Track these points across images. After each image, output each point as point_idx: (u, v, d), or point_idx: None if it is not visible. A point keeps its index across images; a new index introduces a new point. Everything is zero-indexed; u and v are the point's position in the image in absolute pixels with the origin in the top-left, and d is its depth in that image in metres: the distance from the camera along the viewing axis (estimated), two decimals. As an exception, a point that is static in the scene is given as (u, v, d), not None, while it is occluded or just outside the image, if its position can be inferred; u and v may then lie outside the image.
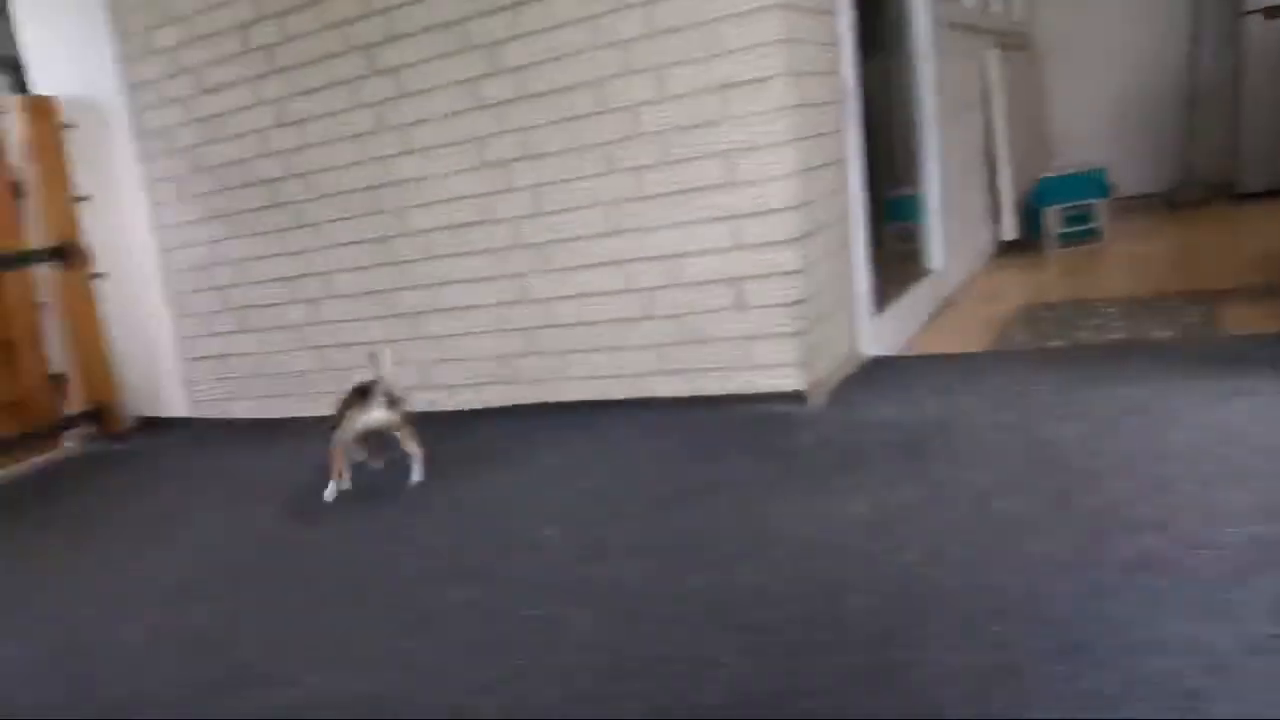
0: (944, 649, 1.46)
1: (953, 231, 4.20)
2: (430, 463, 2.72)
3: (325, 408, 3.61)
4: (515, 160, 3.05)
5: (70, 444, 4.03)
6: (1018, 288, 4.25)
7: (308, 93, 3.40)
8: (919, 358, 3.23)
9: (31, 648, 2.10)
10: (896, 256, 4.26)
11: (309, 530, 2.53)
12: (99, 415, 4.06)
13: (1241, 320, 2.96)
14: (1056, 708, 1.28)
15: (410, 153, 3.24)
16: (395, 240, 3.36)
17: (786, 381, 2.80)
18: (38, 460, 3.89)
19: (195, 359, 3.98)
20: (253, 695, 1.72)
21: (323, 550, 2.37)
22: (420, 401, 3.43)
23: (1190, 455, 1.99)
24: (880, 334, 3.29)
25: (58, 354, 4.03)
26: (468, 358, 3.32)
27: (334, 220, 3.47)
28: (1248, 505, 1.74)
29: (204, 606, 2.15)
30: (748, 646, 1.58)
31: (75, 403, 4.04)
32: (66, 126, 3.96)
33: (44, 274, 3.99)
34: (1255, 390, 2.29)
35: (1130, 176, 5.61)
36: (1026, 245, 5.06)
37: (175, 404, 4.10)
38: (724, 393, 2.87)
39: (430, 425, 3.29)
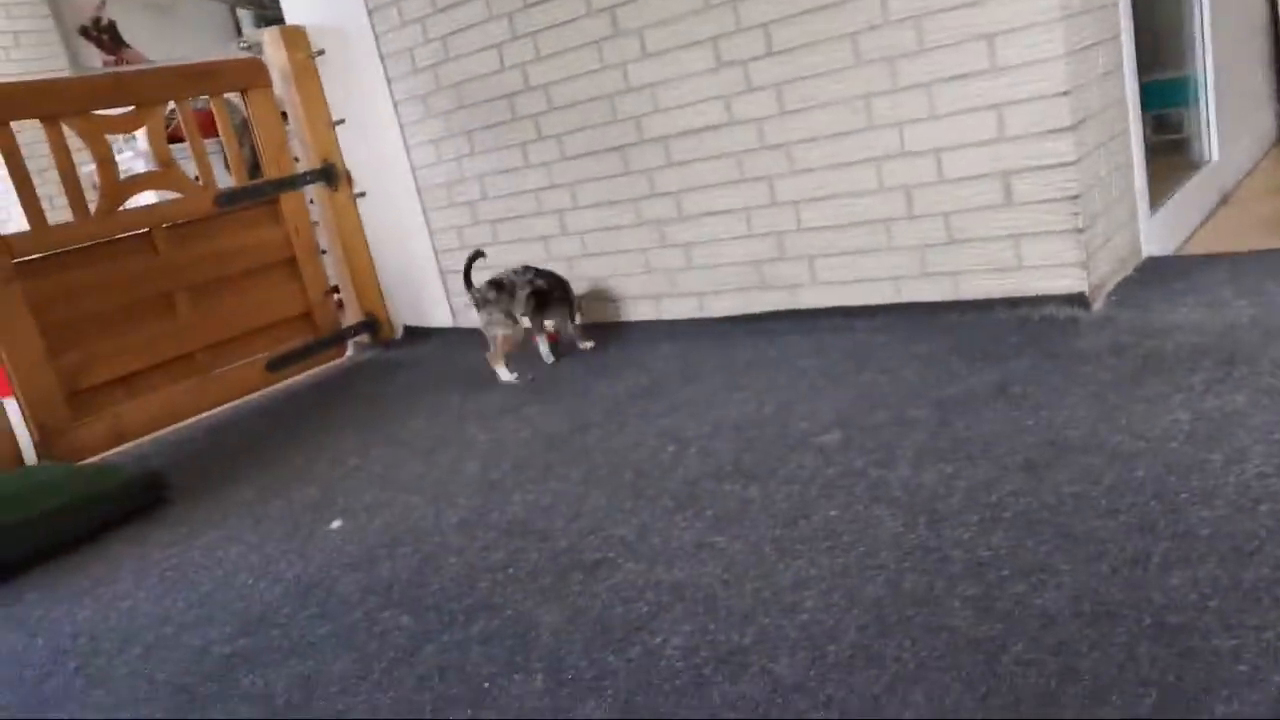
0: (1326, 565, 1.34)
1: (1228, 117, 3.78)
2: (687, 369, 2.74)
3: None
4: (754, 59, 2.95)
5: (350, 353, 4.37)
6: (1312, 178, 3.80)
7: (539, 2, 3.40)
8: (1207, 257, 2.95)
9: (374, 531, 2.29)
10: (1162, 147, 3.88)
11: (585, 432, 2.62)
12: (372, 326, 4.37)
13: None
14: None
15: (646, 57, 3.20)
16: (635, 148, 3.35)
17: (1065, 283, 2.62)
18: (327, 366, 4.28)
19: (453, 271, 4.17)
20: (576, 579, 1.80)
21: (605, 451, 2.45)
22: (671, 310, 3.48)
23: None
24: (1155, 233, 3.02)
25: (331, 271, 4.36)
26: (716, 264, 3.30)
27: (574, 131, 3.50)
28: None
29: (514, 497, 2.28)
30: (1083, 555, 1.50)
31: (351, 315, 4.37)
32: (317, 54, 4.17)
33: (313, 196, 4.28)
34: None
35: None
36: (1317, 130, 4.51)
37: (438, 314, 4.33)
38: (996, 296, 2.73)
39: (682, 332, 3.35)
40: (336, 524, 2.39)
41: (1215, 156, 3.73)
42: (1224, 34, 3.70)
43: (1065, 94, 2.45)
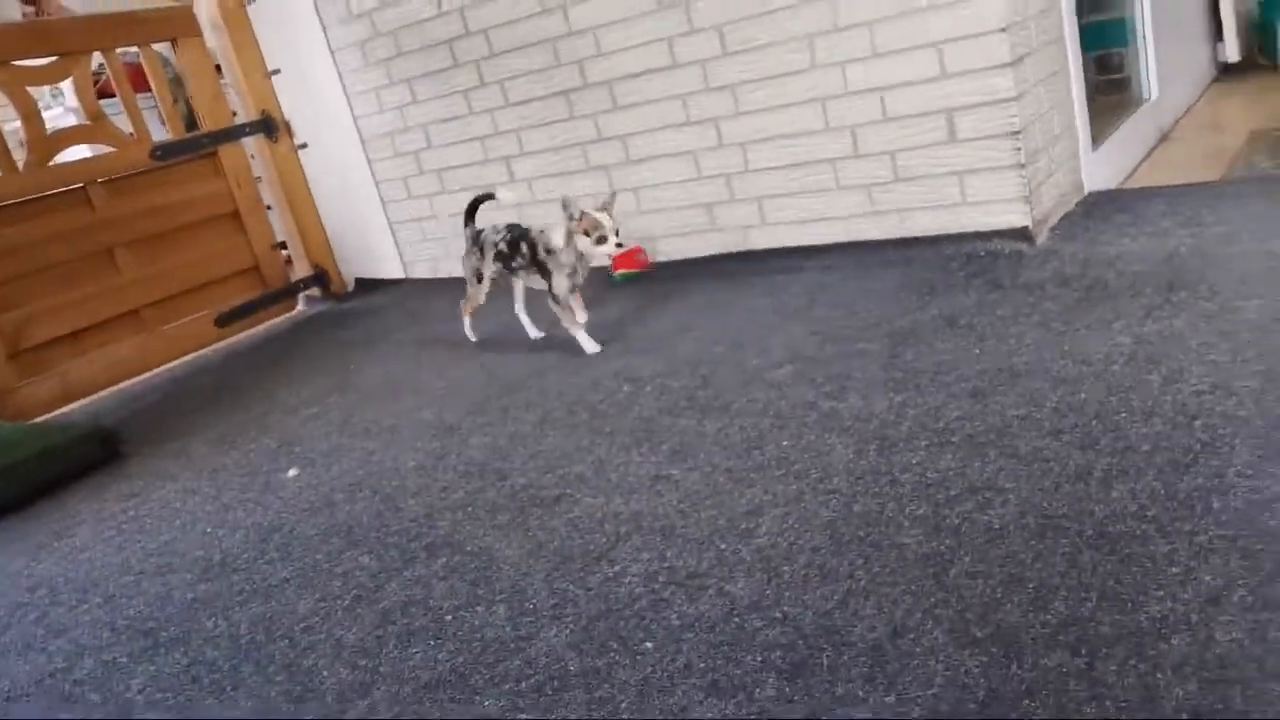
0: (1256, 475, 1.40)
1: (1167, 56, 3.83)
2: (641, 312, 2.75)
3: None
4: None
5: (302, 306, 4.32)
6: (1246, 113, 3.88)
7: (476, -57, 3.33)
8: (1148, 189, 3.01)
9: (332, 477, 2.29)
10: (1101, 87, 3.93)
11: (541, 376, 2.62)
12: (322, 279, 4.32)
13: None
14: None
15: (583, 1, 3.16)
16: (580, 92, 3.32)
17: (1010, 218, 2.66)
18: (278, 321, 4.23)
19: (401, 221, 4.12)
20: (535, 514, 1.82)
21: (561, 391, 2.46)
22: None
23: None
24: (1098, 169, 3.08)
25: (278, 224, 4.29)
26: (667, 208, 3.30)
27: (517, 77, 3.45)
28: None
29: (471, 440, 2.29)
30: (1027, 473, 1.55)
31: (300, 268, 4.31)
32: (248, 1, 4.05)
33: (254, 149, 4.18)
34: None
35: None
36: (1253, 67, 4.60)
37: (389, 266, 4.28)
38: (942, 232, 2.77)
39: (637, 276, 3.35)
40: (293, 472, 2.38)
41: (1154, 95, 3.78)
42: (1158, -25, 3.74)
43: (1003, 30, 2.47)
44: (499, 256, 2.81)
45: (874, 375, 2.08)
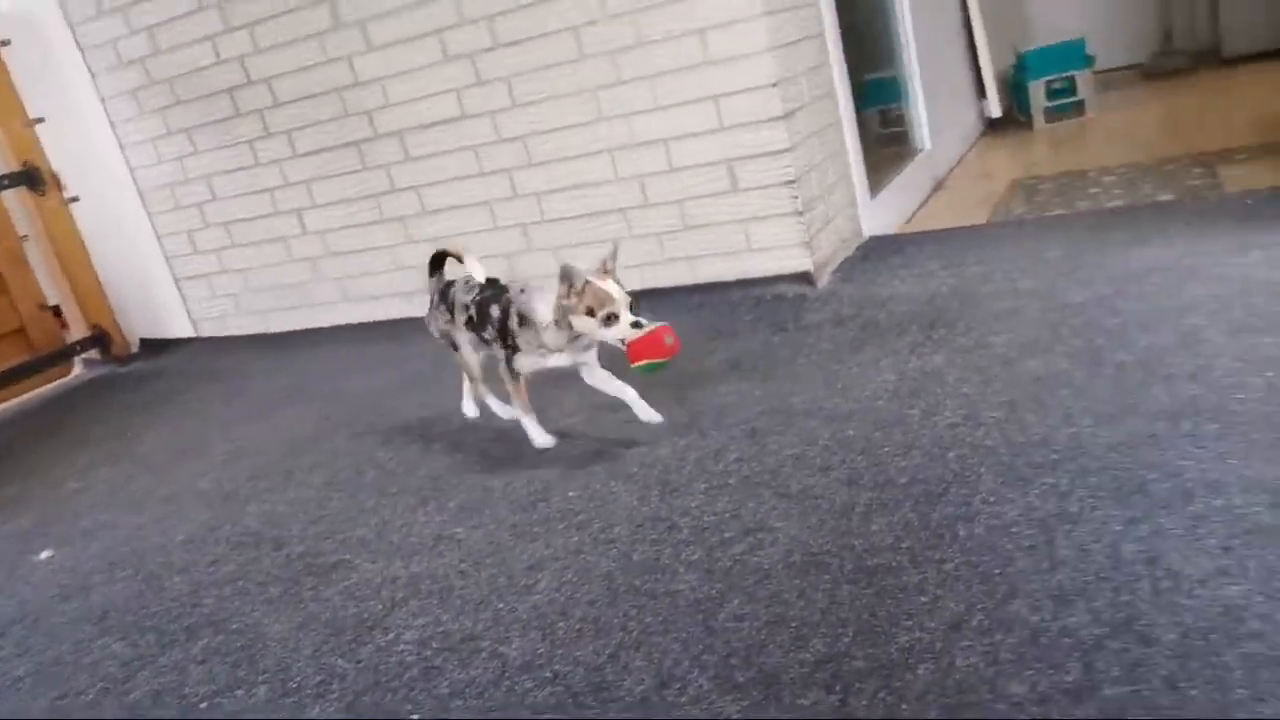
0: (999, 501, 1.48)
1: (938, 111, 4.14)
2: (444, 363, 2.69)
3: (325, 318, 3.61)
4: (481, 52, 2.93)
5: (79, 370, 4.00)
6: (1009, 163, 4.22)
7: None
8: (921, 234, 3.22)
9: (91, 557, 2.10)
10: (883, 139, 4.20)
11: (333, 435, 2.51)
12: (101, 340, 4.01)
13: (1243, 179, 2.96)
14: (1121, 549, 1.30)
15: (371, 50, 3.10)
16: (371, 143, 3.25)
17: (792, 263, 2.77)
18: (51, 386, 3.90)
19: (188, 277, 3.89)
20: (309, 585, 1.73)
21: (352, 451, 2.36)
22: (422, 306, 3.39)
23: (1214, 307, 2.00)
24: (877, 215, 3.26)
25: (50, 284, 3.97)
26: (466, 258, 3.25)
27: (305, 127, 3.35)
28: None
29: (249, 507, 2.16)
30: (798, 511, 1.59)
31: (76, 329, 4.00)
32: (1, 44, 3.76)
33: (17, 203, 3.87)
34: (1268, 243, 2.30)
35: (1109, 48, 5.52)
36: (1014, 122, 5.02)
37: (176, 324, 4.03)
38: (731, 278, 2.85)
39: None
40: (46, 554, 2.17)
41: (928, 146, 4.07)
42: (925, 37, 4.04)
43: (774, 85, 2.59)
44: (469, 324, 2.12)
45: (661, 422, 2.09)
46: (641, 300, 2.96)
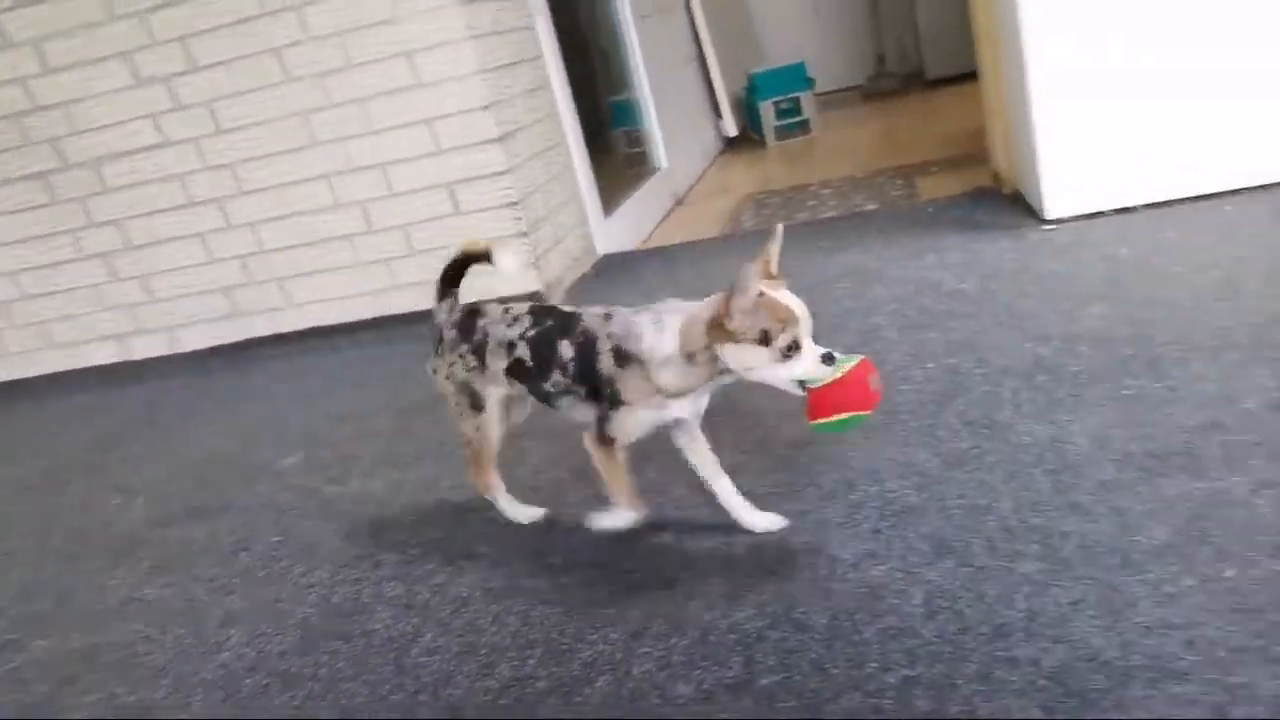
0: (690, 507, 1.52)
1: (674, 131, 4.30)
2: (154, 412, 2.50)
3: (21, 369, 3.26)
4: (177, 75, 2.76)
5: None
6: (744, 179, 4.44)
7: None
8: (653, 250, 3.32)
9: None
10: (629, 159, 4.32)
11: (17, 499, 2.27)
12: None
13: (934, 188, 3.25)
14: (790, 541, 1.37)
15: (49, 72, 2.85)
16: (61, 174, 2.98)
17: (521, 284, 2.77)
18: None
19: None
20: (-43, 678, 1.54)
21: (39, 516, 2.14)
22: (141, 349, 3.14)
23: (893, 306, 2.17)
24: (614, 233, 3.33)
25: None
26: (182, 295, 3.05)
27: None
28: (941, 343, 1.92)
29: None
30: (498, 534, 1.58)
31: None
32: None
33: None
34: (944, 246, 2.52)
35: (834, 70, 5.94)
36: (750, 139, 5.29)
37: None
38: (465, 301, 2.81)
39: (153, 372, 3.06)
40: None
41: (665, 164, 4.21)
42: (656, 60, 4.18)
43: (486, 108, 2.59)
44: (517, 370, 1.49)
45: (379, 453, 2.04)
46: (378, 328, 2.94)
